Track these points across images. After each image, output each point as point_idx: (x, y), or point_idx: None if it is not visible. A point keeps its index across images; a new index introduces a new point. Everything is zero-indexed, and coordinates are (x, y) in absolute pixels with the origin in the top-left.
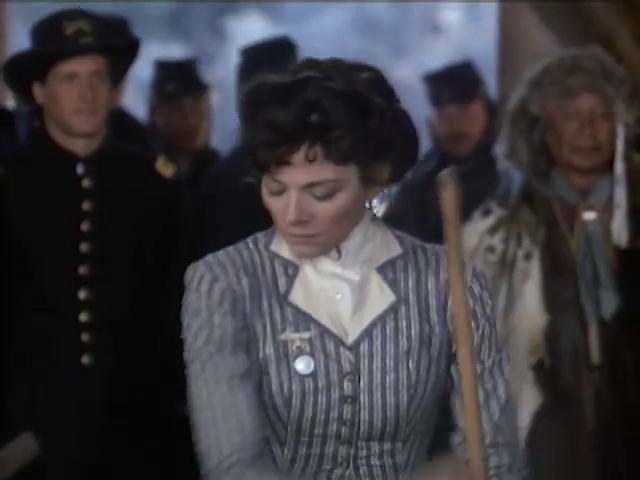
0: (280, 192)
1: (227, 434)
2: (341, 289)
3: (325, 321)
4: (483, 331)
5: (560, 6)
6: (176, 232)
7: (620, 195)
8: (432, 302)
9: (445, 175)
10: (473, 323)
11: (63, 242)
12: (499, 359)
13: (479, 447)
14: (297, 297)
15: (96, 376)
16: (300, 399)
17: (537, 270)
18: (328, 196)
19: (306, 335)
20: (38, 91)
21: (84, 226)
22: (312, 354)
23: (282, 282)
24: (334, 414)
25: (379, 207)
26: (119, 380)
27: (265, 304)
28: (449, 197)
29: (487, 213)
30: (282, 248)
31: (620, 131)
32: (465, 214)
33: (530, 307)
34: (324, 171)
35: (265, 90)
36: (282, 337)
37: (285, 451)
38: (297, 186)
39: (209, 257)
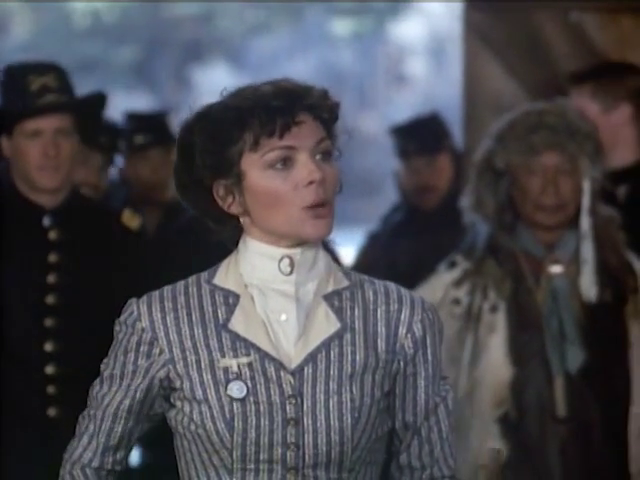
0: (286, 162)
1: (78, 441)
2: (288, 310)
3: (266, 346)
4: (428, 373)
5: (525, 57)
6: (142, 284)
7: (587, 251)
8: (380, 330)
9: None
10: (417, 368)
11: (29, 294)
12: (445, 394)
13: None
14: (237, 324)
15: (62, 429)
16: (242, 422)
17: (503, 323)
18: (328, 157)
19: (244, 360)
20: (5, 144)
21: (50, 278)
22: (252, 378)
23: (222, 311)
24: (278, 437)
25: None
26: None
27: (200, 335)
28: None
29: (452, 265)
30: (225, 280)
31: (586, 186)
32: (431, 266)
33: (496, 360)
34: (320, 130)
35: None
36: (220, 364)
37: None
38: (308, 148)
39: (146, 295)
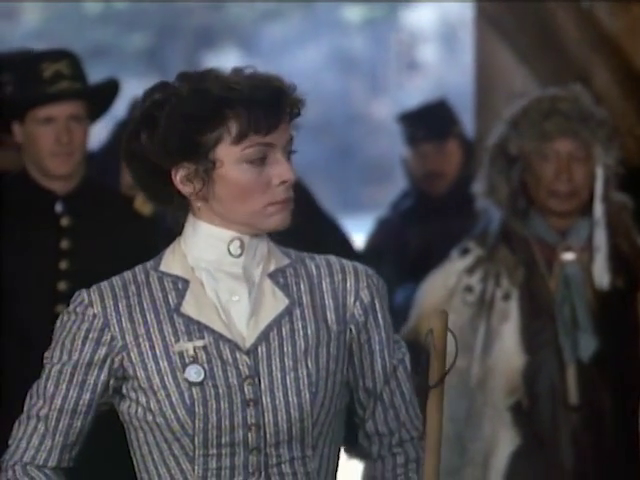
0: (262, 160)
1: (27, 443)
2: (238, 291)
3: (219, 327)
4: (381, 337)
5: (537, 43)
6: None
7: (600, 238)
8: (328, 302)
9: (438, 310)
10: (370, 333)
11: (42, 280)
12: (402, 356)
13: None
14: (189, 308)
15: None
16: (203, 406)
17: (516, 311)
18: (290, 155)
19: (200, 343)
20: (17, 130)
21: (62, 264)
22: (208, 361)
23: (172, 297)
24: (238, 419)
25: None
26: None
27: (152, 321)
28: (439, 330)
29: (465, 252)
30: (172, 266)
31: (599, 173)
32: (440, 252)
33: (508, 348)
34: (289, 128)
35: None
36: (175, 348)
37: (195, 468)
38: (282, 146)
39: (95, 285)
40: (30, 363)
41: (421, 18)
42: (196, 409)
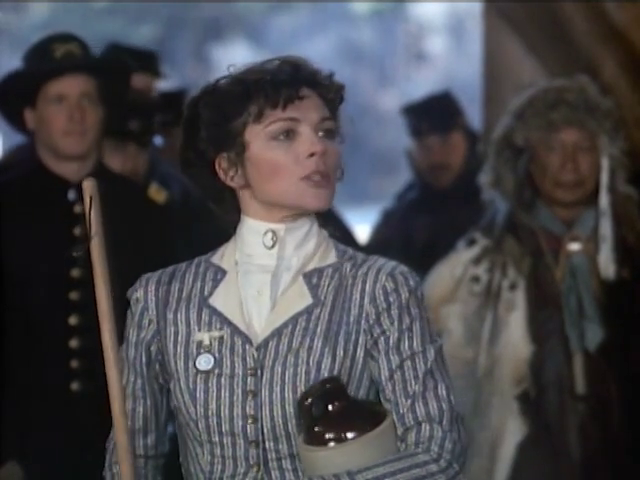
0: (289, 134)
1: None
2: (263, 287)
3: (238, 321)
4: (398, 326)
5: (545, 34)
6: (168, 257)
7: (606, 228)
8: (347, 305)
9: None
10: (383, 325)
11: (54, 268)
12: (422, 350)
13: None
14: (217, 300)
15: (86, 403)
16: (204, 393)
17: (522, 301)
18: (331, 136)
19: (216, 334)
20: (29, 116)
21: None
22: (219, 352)
23: (208, 287)
24: (238, 409)
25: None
26: (109, 407)
27: (182, 309)
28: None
29: (472, 243)
30: (221, 259)
31: (604, 164)
32: (445, 244)
33: (515, 337)
34: (325, 109)
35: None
36: (194, 337)
37: (205, 452)
38: (312, 122)
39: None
40: (43, 350)
41: (429, 9)
42: (197, 395)
